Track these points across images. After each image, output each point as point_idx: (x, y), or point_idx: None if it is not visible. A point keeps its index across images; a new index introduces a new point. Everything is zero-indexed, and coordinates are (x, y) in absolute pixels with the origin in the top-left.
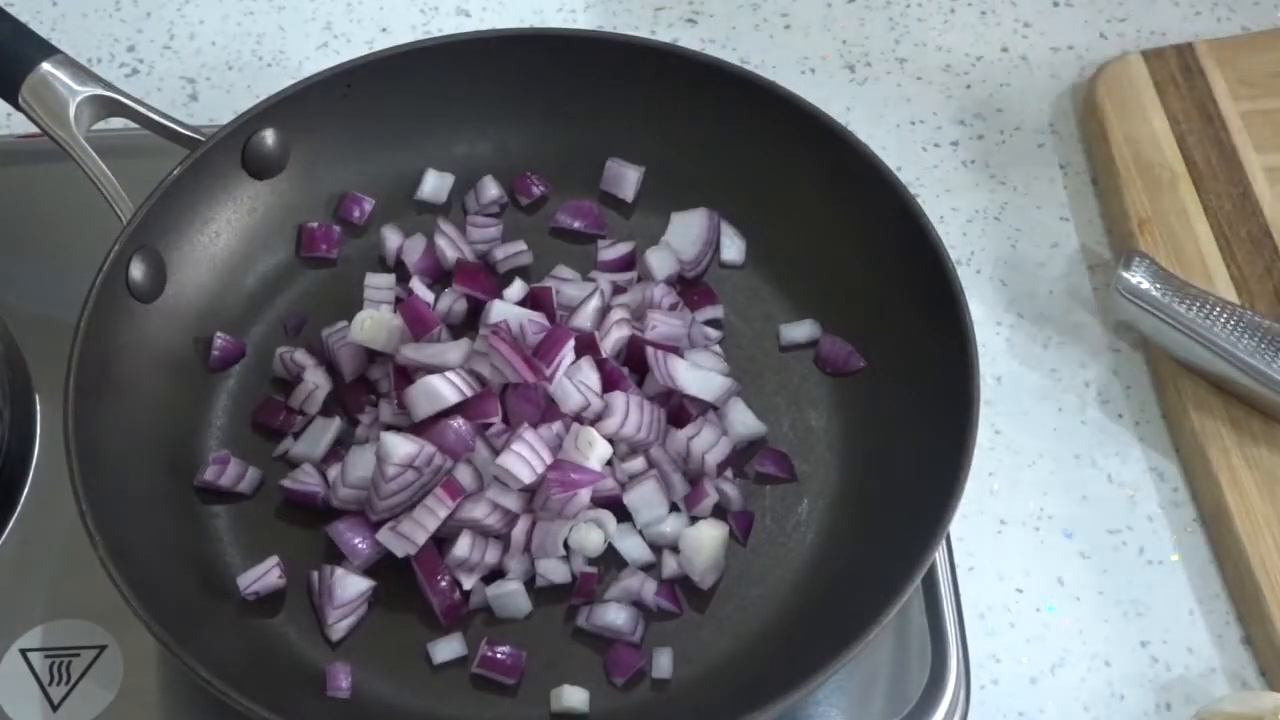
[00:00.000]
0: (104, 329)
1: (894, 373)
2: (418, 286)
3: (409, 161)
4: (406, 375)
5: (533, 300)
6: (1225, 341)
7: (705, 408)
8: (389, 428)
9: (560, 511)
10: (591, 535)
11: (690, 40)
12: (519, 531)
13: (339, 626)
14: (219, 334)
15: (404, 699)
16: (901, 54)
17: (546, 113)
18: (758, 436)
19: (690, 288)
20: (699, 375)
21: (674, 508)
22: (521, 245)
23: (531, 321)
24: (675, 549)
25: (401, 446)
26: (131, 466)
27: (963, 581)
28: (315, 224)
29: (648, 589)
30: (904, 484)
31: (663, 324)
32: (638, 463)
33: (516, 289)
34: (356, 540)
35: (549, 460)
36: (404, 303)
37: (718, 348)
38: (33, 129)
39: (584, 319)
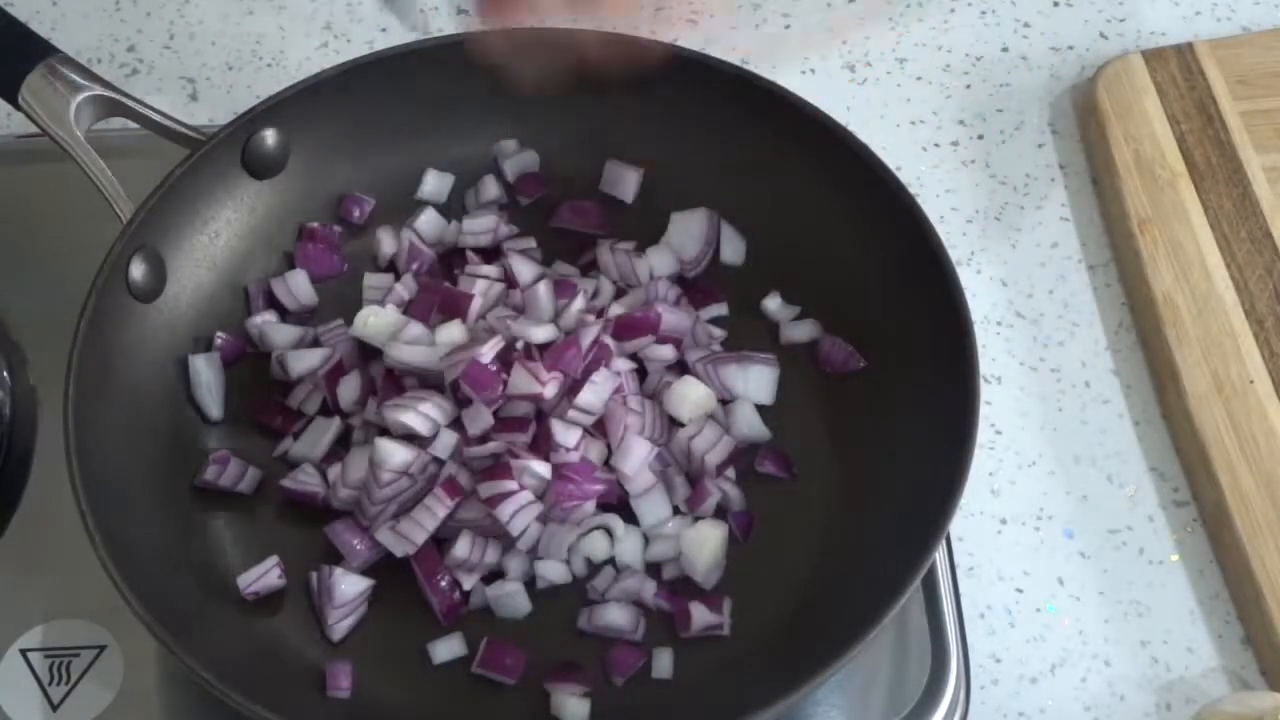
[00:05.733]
0: (104, 329)
1: (894, 373)
2: (401, 290)
3: (409, 161)
4: (395, 378)
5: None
6: None
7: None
8: (383, 432)
9: (566, 518)
10: (600, 542)
11: (690, 40)
12: (528, 536)
13: (339, 626)
14: (219, 334)
15: (404, 699)
16: (901, 54)
17: (546, 113)
18: (761, 439)
19: (693, 286)
20: (750, 375)
21: (675, 510)
22: (531, 242)
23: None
24: (677, 550)
25: (397, 453)
26: (131, 467)
27: (963, 581)
28: (315, 224)
29: (648, 589)
30: (904, 484)
31: (668, 315)
32: (645, 471)
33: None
34: (355, 540)
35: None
36: (428, 289)
37: (718, 346)
38: (33, 129)
39: (568, 320)
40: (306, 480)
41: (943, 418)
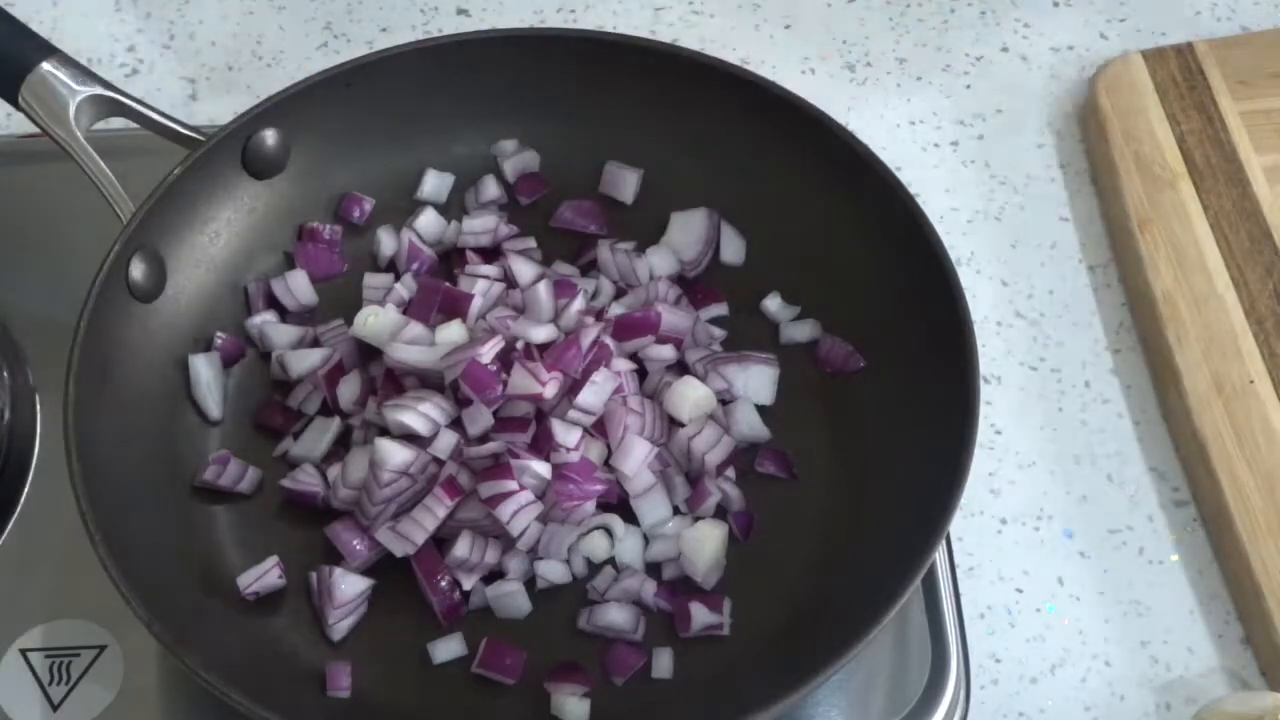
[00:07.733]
0: (104, 329)
1: (894, 373)
2: (401, 290)
3: (409, 161)
4: (395, 378)
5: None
6: None
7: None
8: (383, 432)
9: (566, 518)
10: (600, 542)
11: (690, 40)
12: (528, 536)
13: (339, 626)
14: (219, 334)
15: (404, 699)
16: (901, 54)
17: (546, 113)
18: (761, 439)
19: (693, 286)
20: (750, 375)
21: (675, 510)
22: (531, 242)
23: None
24: (677, 550)
25: (397, 453)
26: (131, 466)
27: (963, 581)
28: (315, 224)
29: (648, 589)
30: (904, 484)
31: (668, 315)
32: (645, 471)
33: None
34: (355, 541)
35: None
36: (426, 289)
37: (718, 346)
38: (33, 129)
39: (568, 320)
40: (306, 480)
41: (943, 418)
